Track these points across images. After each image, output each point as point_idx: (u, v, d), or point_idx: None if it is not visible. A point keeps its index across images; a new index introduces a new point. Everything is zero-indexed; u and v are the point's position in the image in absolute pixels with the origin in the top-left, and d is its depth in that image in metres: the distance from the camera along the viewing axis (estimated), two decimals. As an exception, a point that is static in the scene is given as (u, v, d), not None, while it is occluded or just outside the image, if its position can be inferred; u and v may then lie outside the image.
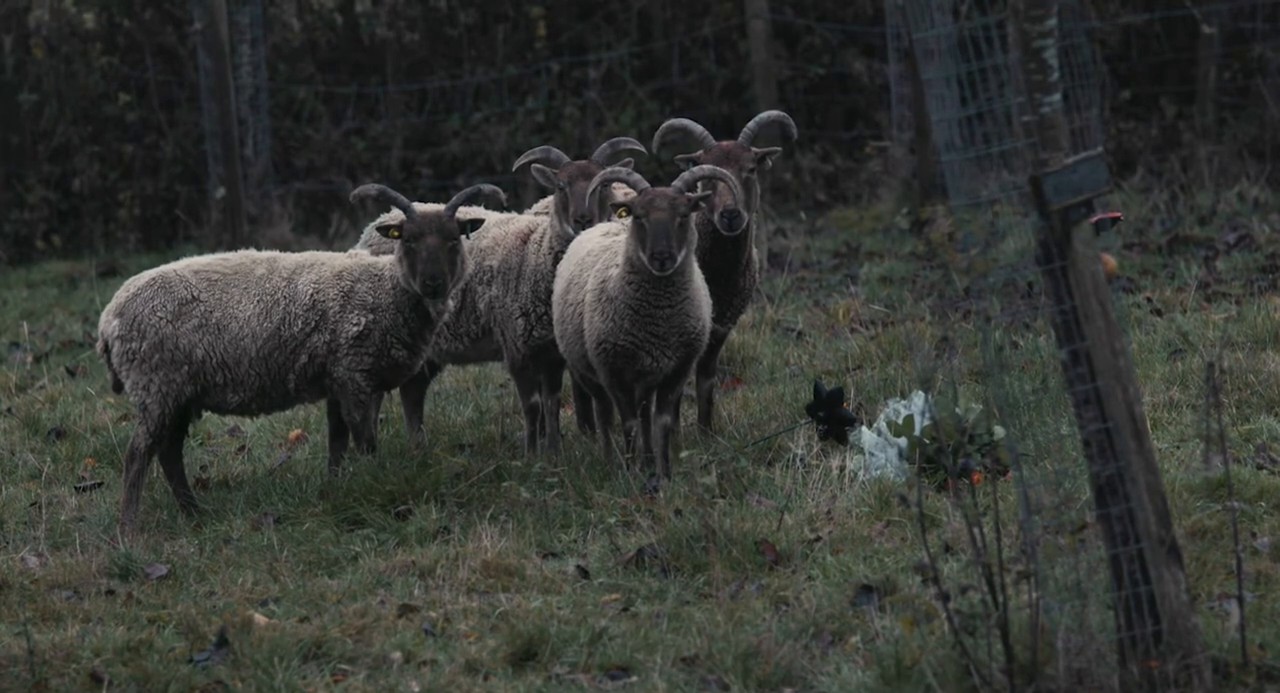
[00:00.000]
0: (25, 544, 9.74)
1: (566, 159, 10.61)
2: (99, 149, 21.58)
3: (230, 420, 12.04)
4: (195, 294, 10.11)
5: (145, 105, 21.70)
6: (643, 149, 10.82)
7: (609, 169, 10.27)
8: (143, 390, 10.04)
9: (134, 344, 10.06)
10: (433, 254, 10.03)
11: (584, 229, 10.41)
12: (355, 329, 10.14)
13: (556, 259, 10.53)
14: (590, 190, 10.32)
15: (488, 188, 10.41)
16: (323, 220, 20.99)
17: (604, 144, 10.67)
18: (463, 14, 21.95)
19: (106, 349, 10.16)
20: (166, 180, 21.57)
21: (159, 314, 10.07)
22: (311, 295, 10.15)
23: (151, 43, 21.77)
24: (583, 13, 21.89)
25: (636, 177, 9.99)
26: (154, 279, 10.16)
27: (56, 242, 21.48)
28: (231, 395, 10.15)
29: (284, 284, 10.17)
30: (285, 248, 18.48)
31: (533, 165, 10.57)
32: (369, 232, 11.27)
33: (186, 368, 10.06)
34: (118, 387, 10.22)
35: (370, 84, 21.79)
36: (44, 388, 13.51)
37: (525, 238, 10.78)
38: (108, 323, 10.14)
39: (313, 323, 10.14)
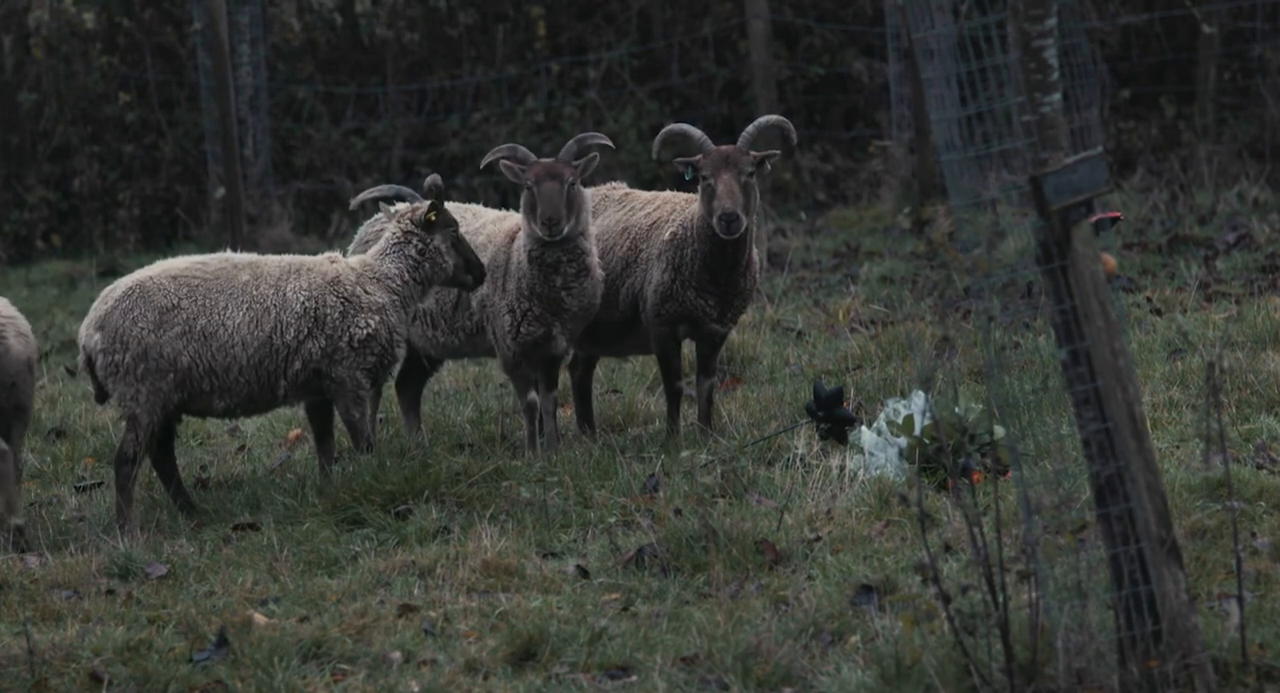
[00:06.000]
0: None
1: (534, 158, 10.57)
2: (99, 149, 21.58)
3: (230, 420, 12.03)
4: (176, 302, 10.05)
5: (145, 105, 21.70)
6: (610, 144, 10.80)
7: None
8: (131, 401, 9.98)
9: (118, 356, 9.99)
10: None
11: (553, 230, 10.40)
12: (364, 332, 10.16)
13: (530, 258, 10.54)
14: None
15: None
16: (323, 220, 21.00)
17: (569, 142, 10.64)
18: (462, 14, 21.95)
19: (89, 362, 10.09)
20: (166, 180, 21.57)
21: (140, 325, 9.99)
22: (303, 303, 10.11)
23: (151, 43, 21.77)
24: (582, 13, 21.89)
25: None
26: (131, 289, 10.06)
27: (56, 241, 21.48)
28: (218, 401, 10.12)
29: (272, 291, 10.12)
30: (285, 248, 18.52)
31: (502, 161, 10.56)
32: (364, 230, 11.28)
33: (173, 375, 10.01)
34: (101, 398, 10.16)
35: (370, 84, 21.79)
36: (44, 388, 13.51)
37: (514, 236, 10.78)
38: (89, 337, 10.04)
39: (305, 330, 10.10)
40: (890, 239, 17.69)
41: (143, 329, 9.98)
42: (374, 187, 10.67)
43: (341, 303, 10.12)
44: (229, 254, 10.32)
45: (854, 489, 9.53)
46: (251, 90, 20.77)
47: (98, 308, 10.09)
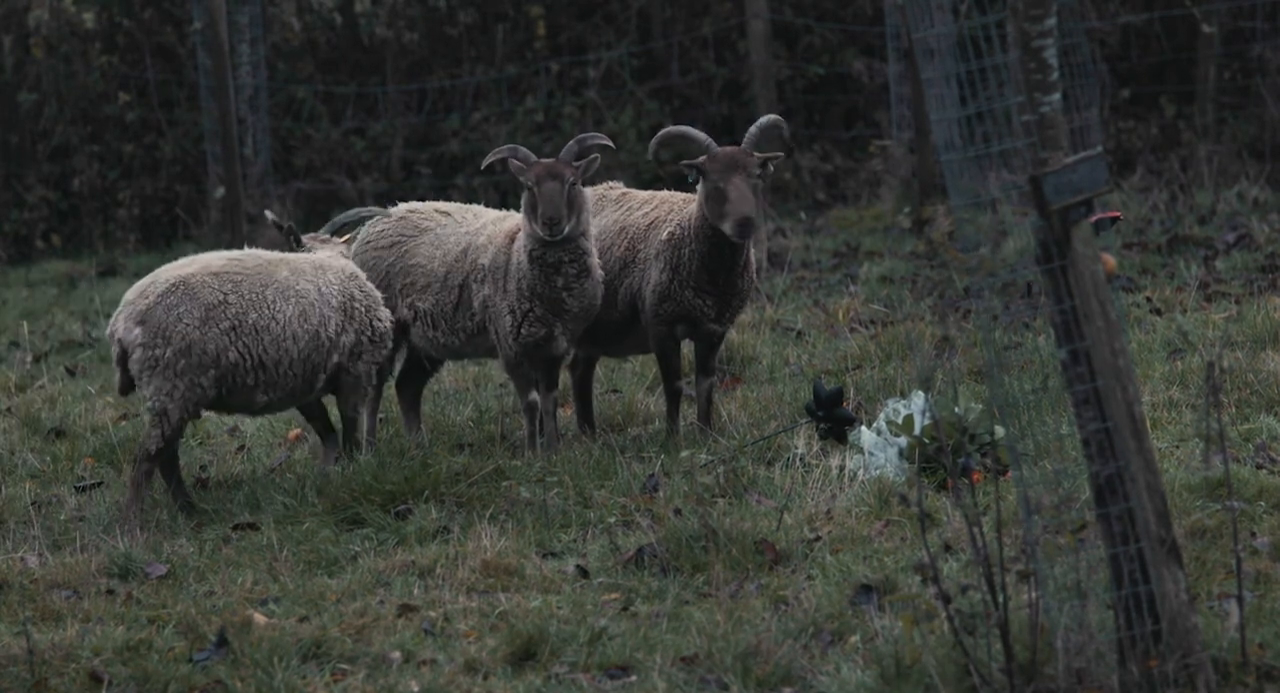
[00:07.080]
0: (25, 544, 9.74)
1: (534, 158, 10.58)
2: (99, 149, 21.58)
3: (229, 420, 12.04)
4: (223, 297, 10.07)
5: (145, 105, 21.70)
6: (611, 144, 10.80)
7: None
8: (165, 396, 9.97)
9: (158, 351, 9.98)
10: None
11: (554, 230, 10.41)
12: (384, 325, 10.36)
13: (531, 259, 10.55)
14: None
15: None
16: (322, 220, 20.96)
17: (570, 142, 10.64)
18: (462, 14, 21.95)
19: (124, 355, 10.06)
20: (166, 180, 21.57)
21: (185, 321, 10.00)
22: (337, 296, 10.26)
23: (151, 42, 21.77)
24: (582, 12, 21.89)
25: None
26: (175, 285, 10.06)
27: (56, 241, 21.48)
28: (261, 396, 10.19)
29: (311, 286, 10.23)
30: (285, 248, 18.49)
31: (509, 161, 10.58)
32: (366, 230, 11.28)
33: (214, 371, 10.04)
34: (124, 390, 10.15)
35: (370, 84, 21.79)
36: (44, 388, 13.51)
37: (514, 236, 10.79)
38: (129, 331, 9.99)
39: (341, 323, 10.23)
40: (890, 239, 17.69)
41: (188, 325, 9.99)
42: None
43: (365, 296, 10.39)
44: (255, 250, 10.40)
45: (854, 489, 9.53)
46: (251, 90, 20.77)
47: (137, 303, 10.03)
